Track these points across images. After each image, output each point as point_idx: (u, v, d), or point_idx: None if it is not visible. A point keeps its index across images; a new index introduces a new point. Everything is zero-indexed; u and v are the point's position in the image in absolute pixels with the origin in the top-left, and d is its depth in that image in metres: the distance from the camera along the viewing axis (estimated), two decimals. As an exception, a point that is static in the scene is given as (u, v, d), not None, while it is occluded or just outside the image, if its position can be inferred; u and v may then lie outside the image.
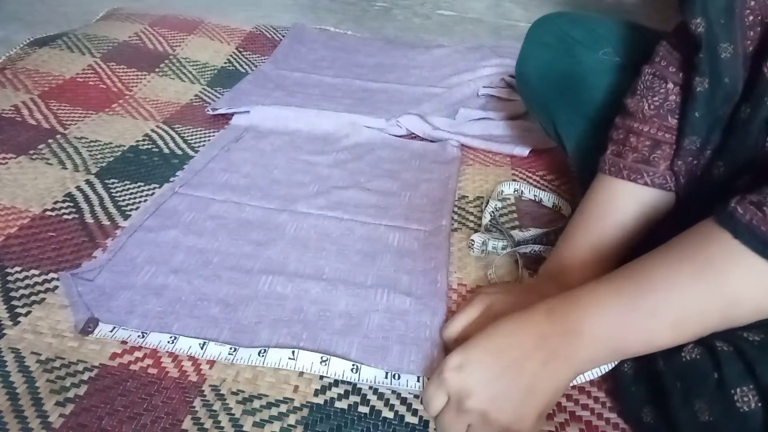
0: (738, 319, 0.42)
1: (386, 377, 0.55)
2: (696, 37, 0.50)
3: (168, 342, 0.57)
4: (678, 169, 0.55)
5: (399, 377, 0.55)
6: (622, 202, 0.58)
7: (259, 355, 0.56)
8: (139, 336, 0.57)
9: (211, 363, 0.57)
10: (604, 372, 0.53)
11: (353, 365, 0.56)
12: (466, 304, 0.59)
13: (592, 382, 0.58)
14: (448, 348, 0.58)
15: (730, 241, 0.39)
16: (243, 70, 1.26)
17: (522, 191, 0.87)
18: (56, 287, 0.64)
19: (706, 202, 0.44)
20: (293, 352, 0.56)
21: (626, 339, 0.44)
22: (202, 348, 0.56)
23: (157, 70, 1.19)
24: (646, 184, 0.56)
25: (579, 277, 0.57)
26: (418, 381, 0.55)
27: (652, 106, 0.56)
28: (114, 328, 0.58)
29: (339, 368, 0.56)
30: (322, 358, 0.56)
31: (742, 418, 0.40)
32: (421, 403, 0.52)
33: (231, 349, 0.56)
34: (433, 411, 0.47)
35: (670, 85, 0.56)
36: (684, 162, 0.55)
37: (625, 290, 0.44)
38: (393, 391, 0.55)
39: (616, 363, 0.53)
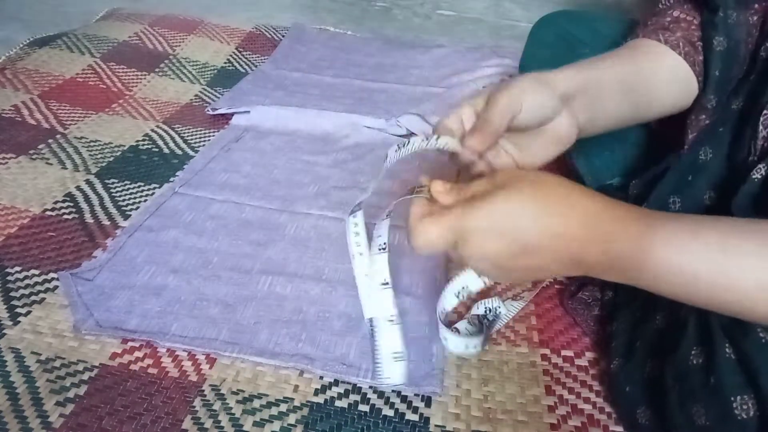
0: None
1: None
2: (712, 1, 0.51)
3: None
4: (690, 121, 0.55)
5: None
6: (631, 51, 0.55)
7: None
8: None
9: (211, 362, 0.57)
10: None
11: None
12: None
13: (593, 376, 0.58)
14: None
15: None
16: (243, 70, 1.26)
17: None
18: (56, 287, 0.64)
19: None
20: None
21: (695, 287, 0.37)
22: None
23: (157, 70, 1.19)
24: (658, 40, 0.55)
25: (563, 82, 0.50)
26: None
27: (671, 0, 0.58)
28: None
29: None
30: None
31: (739, 425, 0.40)
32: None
33: None
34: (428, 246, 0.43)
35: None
36: (696, 117, 0.54)
37: (712, 239, 0.36)
38: (393, 390, 0.55)
39: None
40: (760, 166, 0.44)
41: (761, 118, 0.46)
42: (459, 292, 0.63)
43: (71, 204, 0.77)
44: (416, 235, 0.41)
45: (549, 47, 0.76)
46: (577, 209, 0.37)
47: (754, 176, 0.44)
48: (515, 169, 0.39)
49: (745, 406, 0.40)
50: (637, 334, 0.54)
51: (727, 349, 0.42)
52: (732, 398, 0.41)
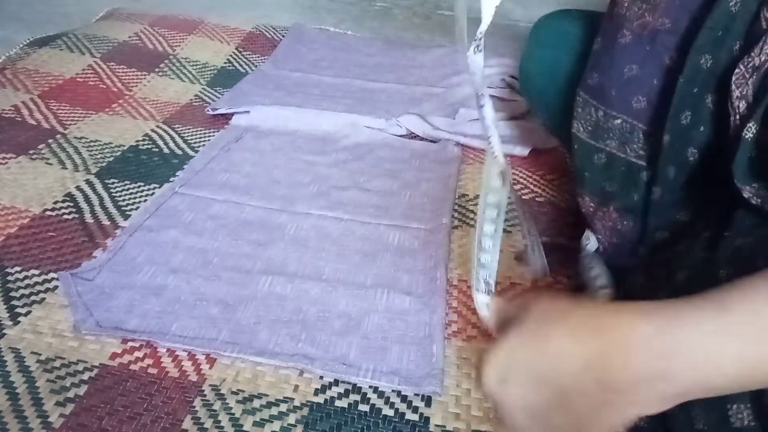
0: None
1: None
2: None
3: None
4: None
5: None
6: None
7: None
8: None
9: (211, 362, 0.57)
10: None
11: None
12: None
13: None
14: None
15: None
16: (243, 70, 1.26)
17: None
18: (56, 287, 0.64)
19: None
20: None
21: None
22: None
23: (156, 70, 1.19)
24: None
25: None
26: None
27: None
28: None
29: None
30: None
31: None
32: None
33: None
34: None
35: None
36: None
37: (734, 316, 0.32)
38: (393, 390, 0.55)
39: None
40: (750, 124, 0.44)
41: (733, 77, 0.46)
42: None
43: (71, 204, 0.77)
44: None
45: (549, 47, 0.76)
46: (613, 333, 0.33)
47: (746, 135, 0.44)
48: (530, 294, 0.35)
49: (740, 415, 0.40)
50: None
51: None
52: (728, 405, 0.40)
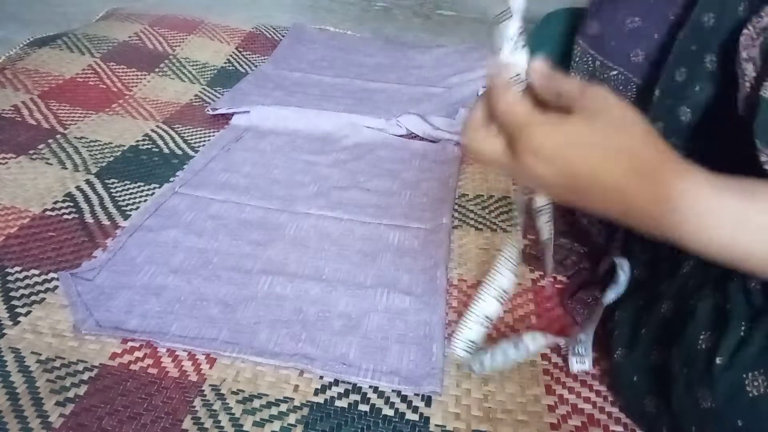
0: None
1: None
2: None
3: None
4: None
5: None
6: None
7: None
8: None
9: (211, 362, 0.57)
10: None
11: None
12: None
13: (593, 376, 0.58)
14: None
15: None
16: (243, 70, 1.26)
17: None
18: (56, 287, 0.64)
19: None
20: None
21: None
22: None
23: (156, 70, 1.19)
24: None
25: None
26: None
27: None
28: None
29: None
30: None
31: (750, 403, 0.39)
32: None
33: None
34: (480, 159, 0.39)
35: None
36: None
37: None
38: (393, 389, 0.55)
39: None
40: (766, 83, 0.42)
41: (741, 39, 0.44)
42: (483, 323, 0.54)
43: (71, 204, 0.77)
44: (470, 142, 0.40)
45: (554, 44, 0.75)
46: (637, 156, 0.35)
47: (765, 94, 0.42)
48: (603, 93, 0.36)
49: (756, 383, 0.39)
50: (641, 323, 0.54)
51: (743, 328, 0.41)
52: (744, 375, 0.40)
